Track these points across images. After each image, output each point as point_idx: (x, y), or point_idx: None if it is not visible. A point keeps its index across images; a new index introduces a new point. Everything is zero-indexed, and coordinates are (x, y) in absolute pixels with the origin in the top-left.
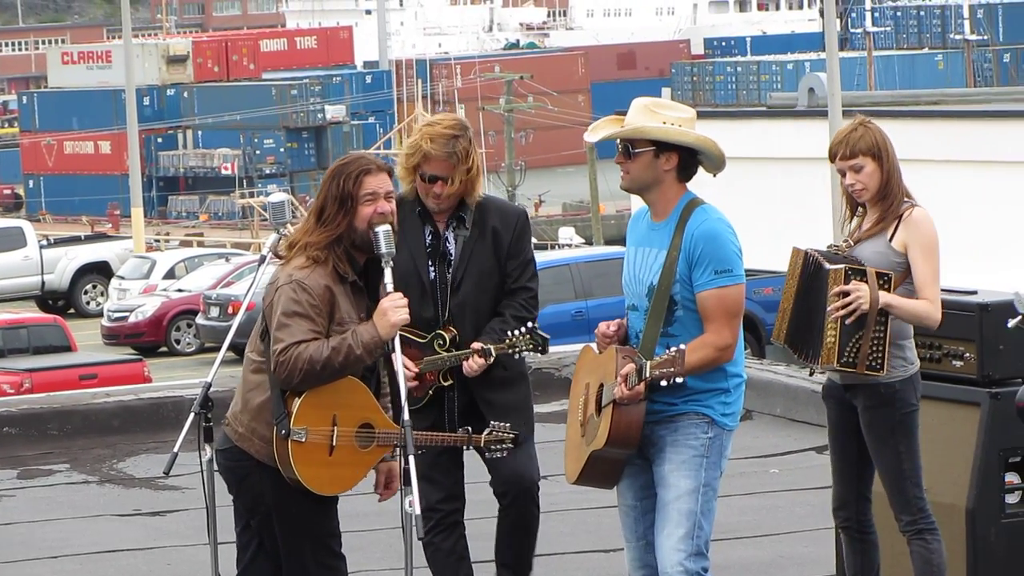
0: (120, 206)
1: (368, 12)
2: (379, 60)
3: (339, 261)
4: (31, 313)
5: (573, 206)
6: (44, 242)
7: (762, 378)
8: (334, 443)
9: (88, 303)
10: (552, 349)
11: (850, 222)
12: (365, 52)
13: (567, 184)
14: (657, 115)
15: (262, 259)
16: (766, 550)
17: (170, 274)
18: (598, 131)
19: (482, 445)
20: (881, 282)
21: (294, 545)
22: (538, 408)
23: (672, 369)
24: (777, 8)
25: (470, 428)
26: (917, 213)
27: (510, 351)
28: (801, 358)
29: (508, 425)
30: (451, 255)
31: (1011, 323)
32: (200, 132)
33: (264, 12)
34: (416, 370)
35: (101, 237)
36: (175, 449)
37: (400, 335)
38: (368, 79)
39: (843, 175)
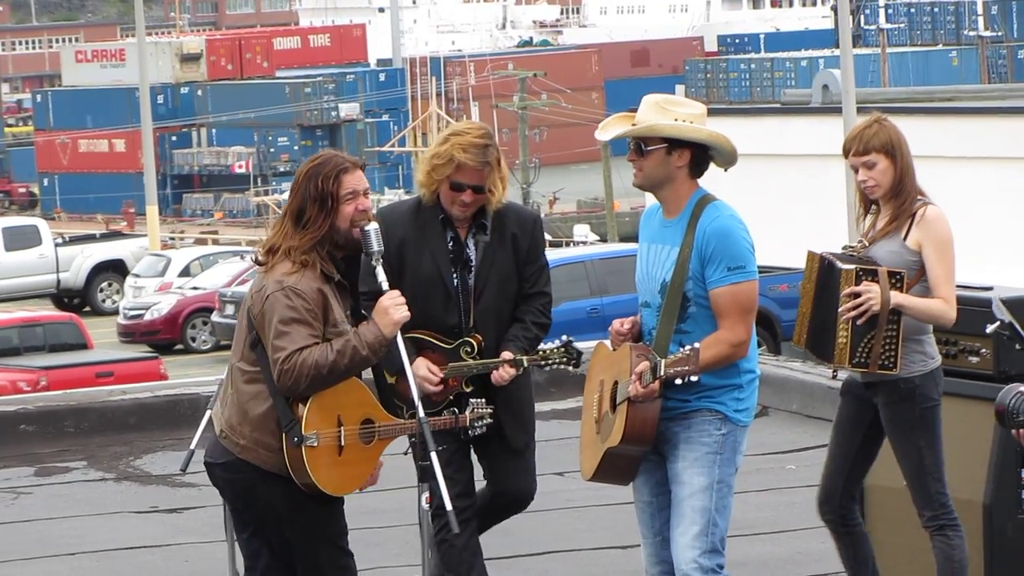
0: (135, 204)
1: (381, 10)
2: (392, 58)
3: (324, 262)
4: (47, 311)
5: (587, 203)
6: (59, 240)
7: (778, 375)
8: (343, 443)
9: (103, 301)
10: None
11: (863, 219)
12: (378, 50)
13: (581, 181)
14: (669, 112)
15: None
16: (783, 546)
17: (185, 272)
18: (609, 129)
19: (467, 424)
20: (893, 281)
21: (310, 550)
22: (553, 404)
23: (687, 367)
24: (790, 5)
25: (456, 410)
26: (931, 211)
27: (542, 363)
28: (823, 361)
29: (484, 401)
30: (472, 261)
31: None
32: (214, 130)
33: (277, 10)
34: (441, 375)
35: (116, 235)
36: (192, 446)
37: (424, 340)
38: (382, 77)
39: (856, 171)
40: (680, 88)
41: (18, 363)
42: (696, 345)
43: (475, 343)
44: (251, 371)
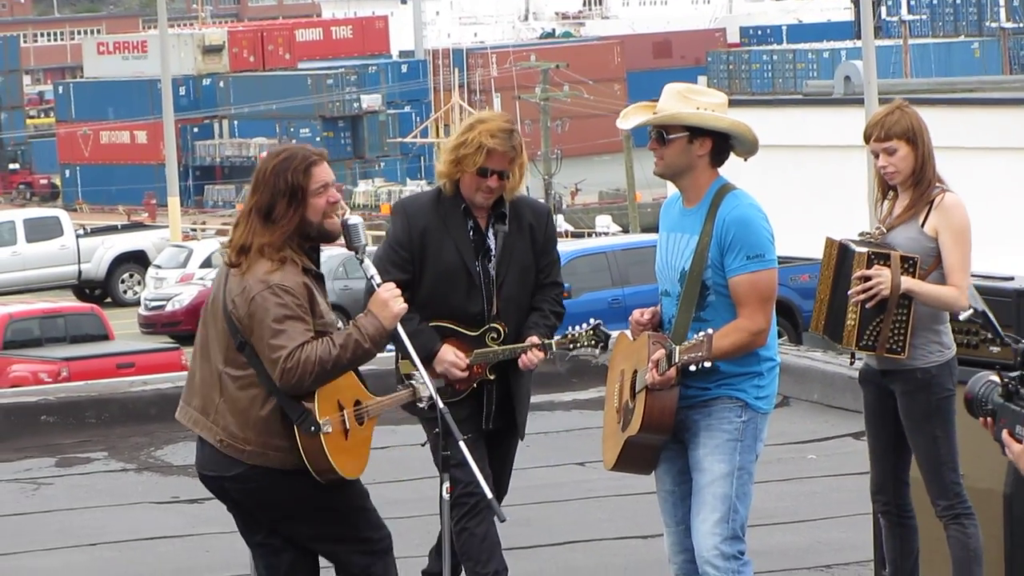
0: (156, 195)
1: (404, 1)
2: (415, 49)
3: (300, 255)
4: (68, 302)
5: (609, 194)
6: (81, 231)
7: (799, 364)
8: (348, 426)
9: (125, 292)
10: None
11: (881, 204)
12: (401, 41)
13: (603, 172)
14: (691, 101)
15: None
16: (804, 536)
17: (207, 263)
18: (630, 118)
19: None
20: (905, 266)
21: (337, 537)
22: (575, 395)
23: (700, 354)
24: None
25: (413, 383)
26: (949, 198)
27: (570, 346)
28: (836, 344)
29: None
30: (492, 251)
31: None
32: (236, 122)
33: (300, 2)
34: (467, 362)
35: (138, 226)
36: None
37: (447, 328)
38: (404, 68)
39: (876, 157)
40: (702, 79)
41: (39, 354)
42: (710, 331)
43: (501, 329)
44: (243, 375)
